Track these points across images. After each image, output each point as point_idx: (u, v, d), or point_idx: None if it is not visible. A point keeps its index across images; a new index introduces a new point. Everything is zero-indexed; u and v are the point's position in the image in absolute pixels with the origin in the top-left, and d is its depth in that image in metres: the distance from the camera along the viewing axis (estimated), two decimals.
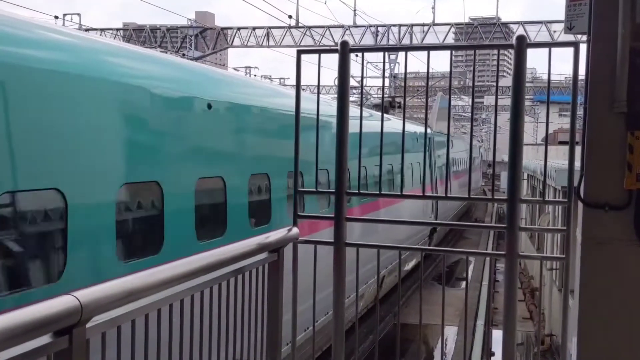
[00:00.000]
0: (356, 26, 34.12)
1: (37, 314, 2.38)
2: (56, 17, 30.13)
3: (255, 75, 44.00)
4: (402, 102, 5.37)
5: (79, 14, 31.75)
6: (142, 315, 3.09)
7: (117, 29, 37.18)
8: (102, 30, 34.94)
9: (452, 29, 33.61)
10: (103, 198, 6.55)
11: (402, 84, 43.99)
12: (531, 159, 30.39)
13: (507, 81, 56.52)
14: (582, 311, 4.45)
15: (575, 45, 4.26)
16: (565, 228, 4.42)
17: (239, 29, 33.85)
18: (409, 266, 23.22)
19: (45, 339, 2.46)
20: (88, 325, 2.64)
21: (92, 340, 2.71)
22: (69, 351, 2.54)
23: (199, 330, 3.70)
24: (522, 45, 4.25)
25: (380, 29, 33.43)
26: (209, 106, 8.46)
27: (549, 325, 18.08)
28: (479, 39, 33.70)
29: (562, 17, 4.83)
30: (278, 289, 4.68)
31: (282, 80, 52.91)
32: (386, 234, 16.34)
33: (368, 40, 32.53)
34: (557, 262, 15.93)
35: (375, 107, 25.28)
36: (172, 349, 3.41)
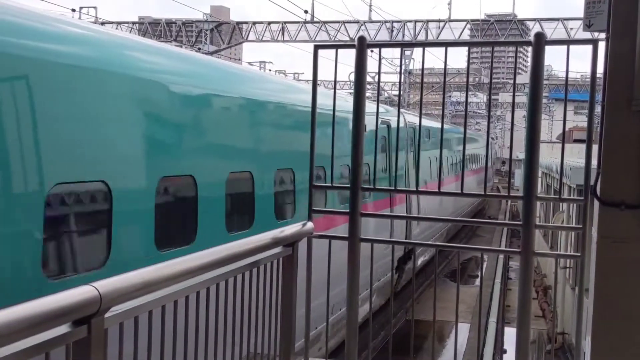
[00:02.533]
0: (371, 22, 34.04)
1: (56, 303, 2.41)
2: (73, 10, 30.25)
3: (270, 70, 44.05)
4: (420, 98, 5.36)
5: (95, 7, 31.87)
6: (159, 306, 3.12)
7: (133, 23, 37.30)
8: (119, 23, 35.05)
9: (468, 26, 33.46)
10: None
11: (416, 80, 43.74)
12: (546, 156, 30.23)
13: (522, 78, 56.33)
14: (596, 310, 4.44)
15: (593, 42, 4.24)
16: (580, 226, 4.41)
17: (254, 23, 33.85)
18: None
19: (64, 329, 2.49)
20: (106, 315, 2.67)
21: (110, 331, 2.74)
22: (88, 340, 2.57)
23: (214, 322, 3.72)
24: (540, 42, 4.24)
25: (395, 24, 33.34)
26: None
27: (561, 324, 18.03)
28: (495, 35, 33.56)
29: (579, 14, 4.81)
30: (292, 282, 4.70)
31: (296, 75, 52.90)
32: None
33: (383, 36, 32.44)
34: (570, 261, 15.88)
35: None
36: (188, 341, 3.44)
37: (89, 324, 2.56)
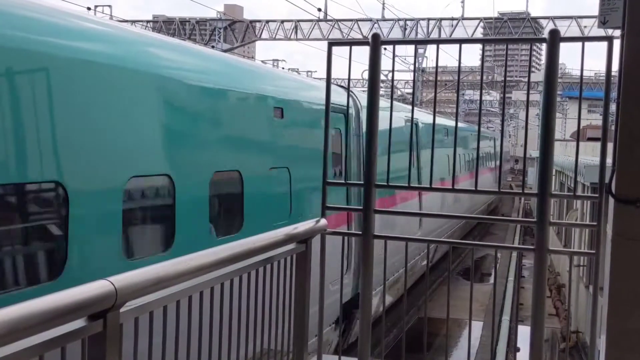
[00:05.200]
0: (385, 20, 34.02)
1: (72, 297, 2.43)
2: (88, 9, 30.37)
3: (283, 68, 44.09)
4: (434, 96, 5.35)
5: (110, 6, 31.98)
6: (173, 301, 3.14)
7: (147, 21, 37.48)
8: (133, 22, 35.18)
9: (481, 24, 33.38)
10: None
11: (429, 78, 43.56)
12: (559, 154, 30.06)
13: (536, 76, 56.06)
14: (611, 308, 4.41)
15: (609, 40, 4.22)
16: (595, 223, 4.40)
17: (267, 21, 33.90)
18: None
19: (79, 323, 2.50)
20: (122, 310, 2.69)
21: (125, 326, 2.75)
22: (103, 335, 2.59)
23: (227, 318, 3.74)
24: (555, 39, 4.22)
25: (408, 22, 33.31)
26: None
27: (575, 322, 17.96)
28: (508, 33, 33.44)
29: (592, 12, 4.79)
30: (305, 279, 4.71)
31: (309, 73, 52.93)
32: None
33: (396, 34, 32.41)
34: (584, 259, 15.79)
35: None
36: (202, 336, 3.46)
37: (105, 319, 2.58)
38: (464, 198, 26.19)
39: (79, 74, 5.39)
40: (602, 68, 4.33)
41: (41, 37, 5.22)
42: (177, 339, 3.22)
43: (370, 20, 33.40)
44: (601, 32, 4.80)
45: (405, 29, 32.90)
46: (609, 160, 4.44)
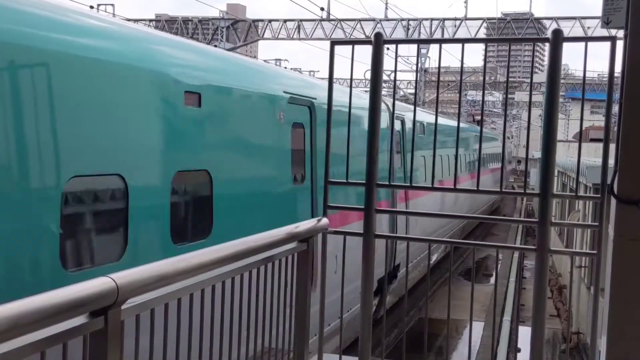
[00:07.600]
0: (388, 19, 33.99)
1: (74, 294, 2.44)
2: (91, 7, 30.33)
3: (285, 67, 44.06)
4: (436, 96, 5.35)
5: (112, 5, 31.94)
6: (174, 299, 3.14)
7: (150, 20, 37.49)
8: (136, 20, 35.17)
9: (484, 24, 33.32)
10: None
11: (432, 78, 43.46)
12: (562, 156, 30.02)
13: (538, 77, 56.02)
14: (612, 309, 4.41)
15: (612, 40, 4.22)
16: (597, 224, 4.39)
17: (270, 21, 33.89)
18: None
19: (81, 319, 2.51)
20: (123, 307, 2.69)
21: (126, 323, 2.76)
22: (104, 332, 2.60)
23: (229, 316, 3.74)
24: (558, 39, 4.22)
25: (411, 22, 33.27)
26: None
27: (576, 323, 17.94)
28: (511, 34, 33.36)
29: (596, 13, 4.78)
30: (307, 278, 4.71)
31: (312, 72, 52.91)
32: None
33: (399, 34, 32.39)
34: (585, 260, 15.78)
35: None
36: (203, 334, 3.46)
37: (106, 315, 2.59)
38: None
39: None
40: (605, 69, 4.32)
41: None
42: (178, 337, 3.23)
43: (373, 20, 33.37)
44: (604, 33, 4.80)
45: (408, 29, 32.87)
46: (612, 161, 4.43)
